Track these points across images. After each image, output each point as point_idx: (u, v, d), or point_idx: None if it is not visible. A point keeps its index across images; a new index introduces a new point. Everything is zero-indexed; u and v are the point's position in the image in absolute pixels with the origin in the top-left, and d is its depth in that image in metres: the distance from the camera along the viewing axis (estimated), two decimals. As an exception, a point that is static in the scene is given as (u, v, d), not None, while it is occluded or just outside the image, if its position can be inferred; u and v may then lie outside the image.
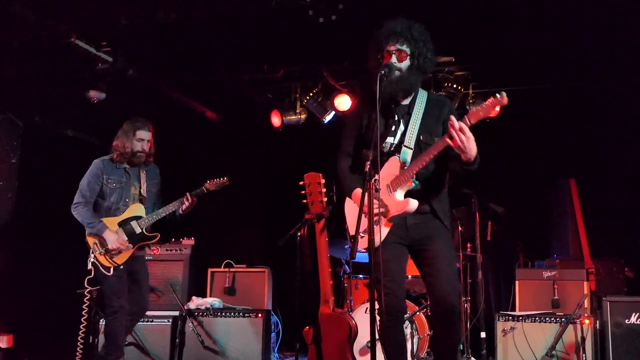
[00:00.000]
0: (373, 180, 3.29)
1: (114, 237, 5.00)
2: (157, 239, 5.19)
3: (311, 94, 7.09)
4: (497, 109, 3.26)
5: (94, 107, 6.48)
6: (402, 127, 3.69)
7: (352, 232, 3.80)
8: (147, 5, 5.29)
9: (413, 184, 3.58)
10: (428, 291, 3.72)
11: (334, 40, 5.66)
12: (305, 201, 4.76)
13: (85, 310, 5.13)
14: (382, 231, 3.55)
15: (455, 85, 6.55)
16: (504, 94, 3.23)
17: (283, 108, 7.26)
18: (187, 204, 5.15)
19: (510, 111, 6.38)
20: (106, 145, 5.28)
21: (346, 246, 6.27)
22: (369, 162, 3.29)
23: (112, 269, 4.98)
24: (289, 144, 7.65)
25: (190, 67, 6.58)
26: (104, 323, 4.99)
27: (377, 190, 3.36)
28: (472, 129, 3.33)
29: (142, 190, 5.26)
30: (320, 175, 4.69)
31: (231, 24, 5.60)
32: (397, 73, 3.59)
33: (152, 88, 6.76)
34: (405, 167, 3.58)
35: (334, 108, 6.98)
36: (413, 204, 3.55)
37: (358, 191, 3.71)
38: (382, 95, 3.39)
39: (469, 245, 6.12)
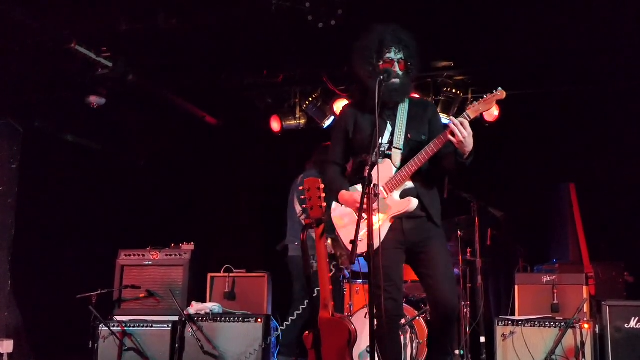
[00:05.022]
0: (372, 185, 3.30)
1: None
2: None
3: (311, 99, 7.09)
4: (494, 105, 3.50)
5: (94, 112, 6.49)
6: (389, 127, 3.73)
7: (344, 238, 3.82)
8: (147, 11, 5.31)
9: (408, 184, 3.61)
10: (427, 292, 3.75)
11: (333, 45, 5.67)
12: (304, 206, 4.76)
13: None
14: (383, 229, 3.58)
15: (454, 90, 6.56)
16: (501, 89, 3.39)
17: (282, 113, 7.27)
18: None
19: (510, 115, 6.44)
20: (106, 150, 5.28)
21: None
22: (367, 167, 3.32)
23: None
24: (289, 148, 7.65)
25: (190, 72, 6.59)
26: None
27: (377, 195, 3.38)
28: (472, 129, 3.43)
29: None
30: (320, 180, 4.68)
31: (231, 29, 5.62)
32: (397, 81, 3.63)
33: (152, 93, 6.77)
34: (399, 168, 3.62)
35: (333, 113, 6.98)
36: (414, 203, 3.59)
37: (345, 193, 3.77)
38: (381, 100, 3.41)
39: (468, 250, 6.10)
